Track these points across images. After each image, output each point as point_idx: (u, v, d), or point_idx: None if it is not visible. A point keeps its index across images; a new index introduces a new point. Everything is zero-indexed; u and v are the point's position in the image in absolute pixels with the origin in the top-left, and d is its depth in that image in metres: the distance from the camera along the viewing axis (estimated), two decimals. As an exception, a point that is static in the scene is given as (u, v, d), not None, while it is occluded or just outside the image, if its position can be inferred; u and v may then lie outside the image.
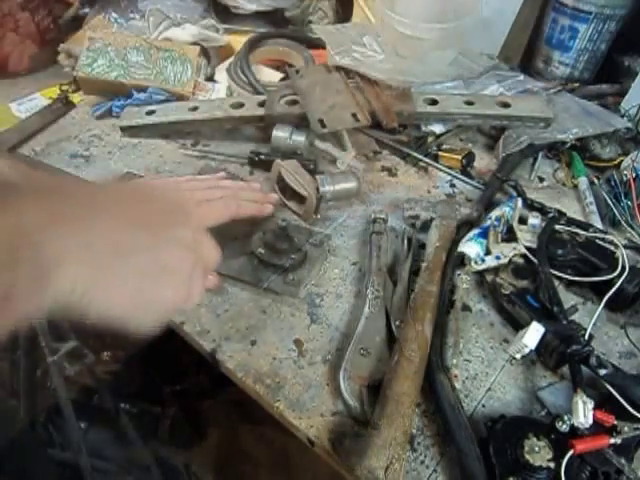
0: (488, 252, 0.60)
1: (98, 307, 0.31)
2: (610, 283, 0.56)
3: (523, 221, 0.63)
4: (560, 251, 0.59)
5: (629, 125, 0.76)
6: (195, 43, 0.88)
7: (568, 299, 0.59)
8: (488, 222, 0.63)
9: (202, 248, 0.40)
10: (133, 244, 0.33)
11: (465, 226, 0.64)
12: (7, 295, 0.26)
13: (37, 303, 0.28)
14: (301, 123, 0.74)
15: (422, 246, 0.63)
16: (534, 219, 0.63)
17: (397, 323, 0.54)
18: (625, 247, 0.59)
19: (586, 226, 0.63)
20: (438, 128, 0.78)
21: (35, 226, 0.27)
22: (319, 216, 0.67)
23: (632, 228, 0.66)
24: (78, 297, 0.30)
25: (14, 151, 0.77)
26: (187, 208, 0.42)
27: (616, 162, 0.75)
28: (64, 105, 0.85)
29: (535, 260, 0.57)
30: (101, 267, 0.31)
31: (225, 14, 0.99)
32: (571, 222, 0.63)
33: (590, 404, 0.43)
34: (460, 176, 0.76)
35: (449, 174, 0.77)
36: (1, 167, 0.54)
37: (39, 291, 0.28)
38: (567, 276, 0.58)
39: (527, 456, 0.41)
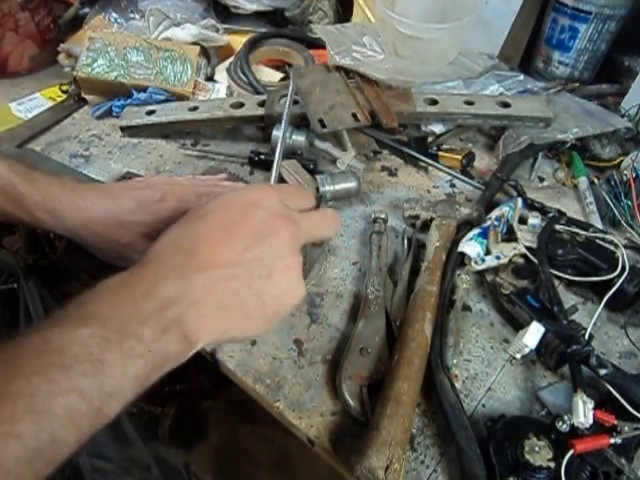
0: (488, 252, 0.60)
1: (237, 339, 0.37)
2: (610, 283, 0.56)
3: (523, 221, 0.63)
4: (560, 251, 0.59)
5: (629, 125, 0.76)
6: (195, 43, 0.88)
7: (568, 299, 0.59)
8: (488, 222, 0.63)
9: (302, 237, 0.40)
10: (240, 278, 0.36)
11: (465, 226, 0.64)
12: (166, 359, 0.33)
13: (185, 358, 0.34)
14: (301, 123, 0.74)
15: (422, 246, 0.63)
16: (534, 219, 0.63)
17: (397, 323, 0.54)
18: (625, 247, 0.59)
19: (586, 226, 0.63)
20: (438, 128, 0.78)
21: (174, 300, 0.33)
22: (319, 216, 0.67)
23: (632, 228, 0.66)
24: (218, 341, 0.36)
25: (23, 147, 0.77)
26: (259, 213, 0.38)
27: (616, 162, 0.75)
28: (76, 102, 0.86)
29: (535, 260, 0.57)
30: (230, 313, 0.36)
31: (225, 14, 0.99)
32: (571, 222, 0.63)
33: (590, 404, 0.43)
34: (460, 176, 0.76)
35: (449, 174, 0.77)
36: (1, 169, 0.54)
37: (187, 352, 0.34)
38: (567, 276, 0.58)
39: (527, 456, 0.41)
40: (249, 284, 0.36)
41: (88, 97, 0.86)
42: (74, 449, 0.29)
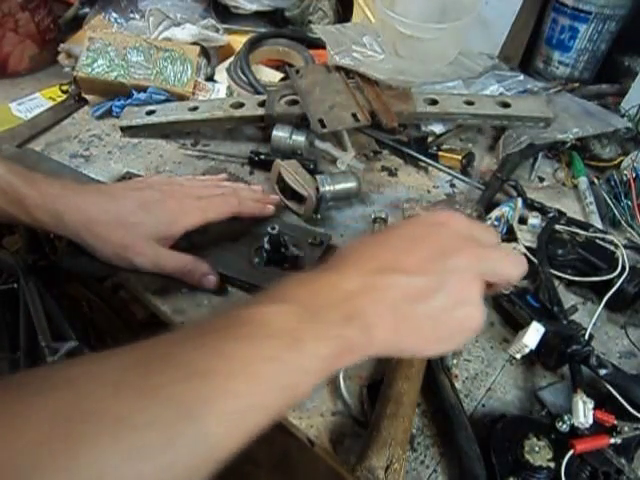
0: (488, 252, 0.60)
1: (406, 353, 0.38)
2: (610, 283, 0.56)
3: (523, 221, 0.63)
4: (560, 251, 0.59)
5: (629, 125, 0.76)
6: (195, 43, 0.88)
7: (568, 299, 0.59)
8: (488, 222, 0.63)
9: (487, 264, 0.38)
10: (420, 289, 0.35)
11: (465, 226, 0.64)
12: (349, 349, 0.33)
13: (365, 354, 0.34)
14: (301, 123, 0.74)
15: (422, 246, 0.63)
16: (534, 219, 0.63)
17: (397, 323, 0.54)
18: (625, 247, 0.59)
19: (586, 226, 0.63)
20: (438, 128, 0.78)
21: (357, 293, 0.34)
22: (319, 216, 0.67)
23: (632, 228, 0.66)
24: (389, 348, 0.35)
25: (23, 147, 0.77)
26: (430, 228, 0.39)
27: (616, 162, 0.75)
28: (76, 102, 0.86)
29: (535, 260, 0.57)
30: (404, 321, 0.35)
31: (225, 14, 0.99)
32: (571, 222, 0.63)
33: (590, 404, 0.43)
34: (460, 176, 0.76)
35: (449, 174, 0.77)
36: (0, 171, 0.54)
37: (367, 348, 0.34)
38: (567, 276, 0.58)
39: (527, 456, 0.41)
40: (426, 297, 0.35)
41: (88, 97, 0.86)
42: (275, 419, 0.30)
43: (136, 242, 0.54)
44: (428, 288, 0.35)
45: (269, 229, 0.56)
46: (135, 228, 0.54)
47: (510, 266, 0.40)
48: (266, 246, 0.57)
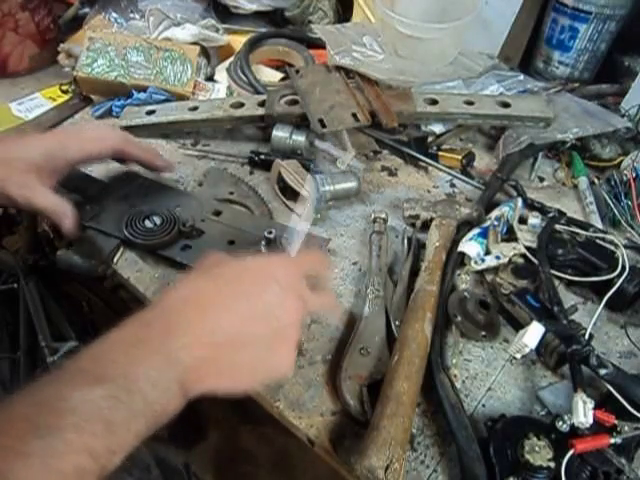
0: (488, 252, 0.60)
1: (223, 392, 0.38)
2: (610, 283, 0.56)
3: (523, 221, 0.63)
4: (560, 251, 0.59)
5: (629, 125, 0.76)
6: (195, 43, 0.88)
7: (568, 299, 0.59)
8: (488, 222, 0.63)
9: (307, 312, 0.43)
10: (245, 343, 0.39)
11: (465, 226, 0.64)
12: (163, 414, 0.35)
13: (177, 412, 0.36)
14: (301, 123, 0.74)
15: (422, 246, 0.63)
16: (534, 219, 0.63)
17: (397, 323, 0.54)
18: (625, 247, 0.59)
19: (586, 226, 0.63)
20: (438, 128, 0.78)
21: (183, 357, 0.35)
22: (319, 216, 0.67)
23: (632, 228, 0.67)
24: (207, 393, 0.37)
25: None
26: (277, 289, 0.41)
27: (616, 162, 0.75)
28: (81, 101, 0.86)
29: (535, 260, 0.57)
30: (224, 374, 0.38)
31: (225, 14, 0.99)
32: (571, 222, 0.63)
33: (590, 404, 0.43)
34: (460, 176, 0.76)
35: (449, 174, 0.77)
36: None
37: (180, 406, 0.36)
38: (567, 276, 0.59)
39: (527, 456, 0.41)
40: (248, 351, 0.39)
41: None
42: None
43: (12, 176, 0.55)
44: (250, 343, 0.39)
45: (266, 233, 0.56)
46: (12, 163, 0.55)
47: (323, 309, 0.48)
48: (263, 250, 0.58)
